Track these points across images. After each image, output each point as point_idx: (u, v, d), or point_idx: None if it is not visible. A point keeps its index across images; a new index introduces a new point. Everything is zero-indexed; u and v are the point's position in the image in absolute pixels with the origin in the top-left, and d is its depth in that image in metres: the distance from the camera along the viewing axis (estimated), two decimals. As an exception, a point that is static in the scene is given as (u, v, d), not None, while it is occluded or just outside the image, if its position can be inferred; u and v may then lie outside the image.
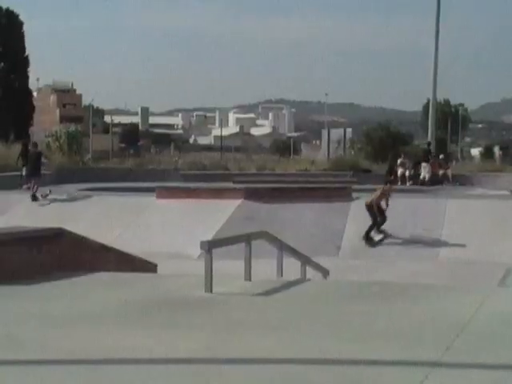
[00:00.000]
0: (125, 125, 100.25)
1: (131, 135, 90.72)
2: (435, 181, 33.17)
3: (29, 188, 23.00)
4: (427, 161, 33.42)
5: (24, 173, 24.05)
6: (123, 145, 76.23)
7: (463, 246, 17.41)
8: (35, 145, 25.49)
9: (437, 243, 17.89)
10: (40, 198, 22.53)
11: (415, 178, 33.80)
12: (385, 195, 18.67)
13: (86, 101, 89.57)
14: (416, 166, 34.94)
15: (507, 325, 6.34)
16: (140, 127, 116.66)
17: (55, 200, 22.45)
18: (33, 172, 23.10)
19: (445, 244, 17.85)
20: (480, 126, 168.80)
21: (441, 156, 36.46)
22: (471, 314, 6.76)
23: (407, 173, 34.20)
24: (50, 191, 23.16)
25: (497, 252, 16.61)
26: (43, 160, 24.89)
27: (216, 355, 5.22)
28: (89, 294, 7.92)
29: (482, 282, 12.72)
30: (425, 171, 33.05)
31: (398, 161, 35.07)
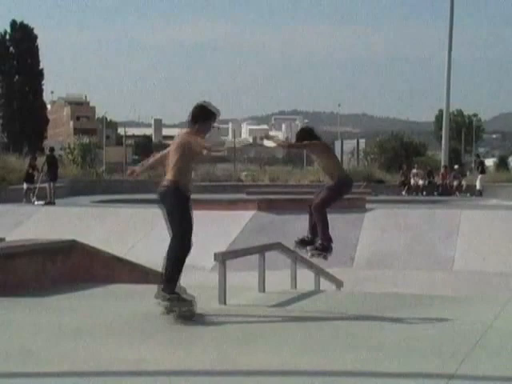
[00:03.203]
0: (138, 137, 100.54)
1: (144, 147, 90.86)
2: (447, 191, 33.13)
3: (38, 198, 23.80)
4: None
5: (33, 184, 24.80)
6: (136, 157, 76.42)
7: (478, 256, 17.27)
8: (52, 149, 26.07)
9: (451, 254, 17.77)
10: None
11: (429, 187, 33.76)
12: None
13: (99, 113, 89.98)
14: (430, 176, 34.91)
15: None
16: (153, 139, 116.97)
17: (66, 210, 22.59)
18: (51, 176, 23.93)
19: (460, 255, 17.72)
20: (494, 136, 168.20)
21: (455, 167, 36.39)
22: (487, 325, 6.69)
23: (421, 183, 34.15)
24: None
25: (511, 263, 16.48)
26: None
27: (230, 367, 5.19)
28: (102, 306, 7.90)
29: (498, 293, 12.60)
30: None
31: (412, 171, 35.04)
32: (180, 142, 7.21)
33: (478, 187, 33.24)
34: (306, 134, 8.84)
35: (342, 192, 9.46)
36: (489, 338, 6.16)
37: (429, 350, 5.71)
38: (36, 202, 24.22)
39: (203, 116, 7.27)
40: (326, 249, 9.20)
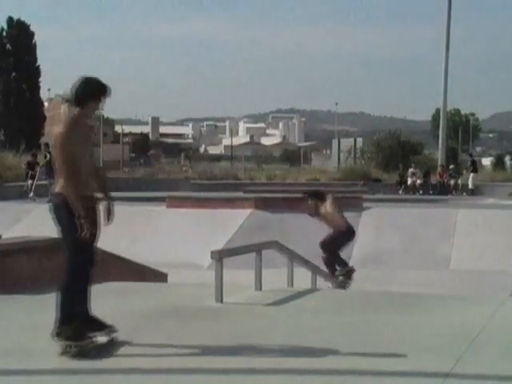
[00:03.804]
0: (135, 134, 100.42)
1: (142, 145, 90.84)
2: (444, 190, 33.20)
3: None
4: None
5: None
6: (134, 154, 76.39)
7: (474, 255, 17.31)
8: (47, 145, 26.27)
9: (448, 253, 17.80)
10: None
11: (426, 186, 33.81)
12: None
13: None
14: (426, 176, 34.96)
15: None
16: (150, 137, 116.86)
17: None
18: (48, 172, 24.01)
19: (456, 254, 17.75)
20: (491, 135, 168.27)
21: (451, 166, 36.46)
22: (483, 324, 6.72)
23: (418, 182, 34.19)
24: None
25: (508, 262, 16.51)
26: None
27: (226, 365, 5.21)
28: (99, 303, 7.90)
29: (494, 293, 12.63)
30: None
31: (409, 170, 35.07)
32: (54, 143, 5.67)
33: (470, 186, 33.40)
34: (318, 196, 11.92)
35: (349, 237, 12.20)
36: (484, 338, 6.19)
37: (425, 349, 5.73)
38: (36, 199, 24.29)
39: (89, 95, 5.69)
40: (347, 274, 11.86)
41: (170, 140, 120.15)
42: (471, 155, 40.08)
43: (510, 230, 18.66)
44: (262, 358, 5.44)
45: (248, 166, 52.30)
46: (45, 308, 7.46)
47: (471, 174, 33.95)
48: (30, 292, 8.06)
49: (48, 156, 24.70)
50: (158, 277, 11.27)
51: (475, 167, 35.02)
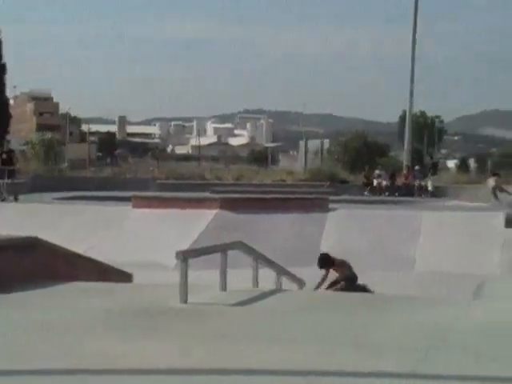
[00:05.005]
0: (102, 133, 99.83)
1: (108, 144, 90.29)
2: (410, 192, 33.53)
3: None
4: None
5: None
6: (100, 154, 75.93)
7: (438, 257, 17.49)
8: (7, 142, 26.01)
9: (413, 254, 17.96)
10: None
11: (391, 188, 34.10)
12: None
13: (63, 109, 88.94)
14: (392, 177, 35.26)
15: (480, 336, 6.36)
16: (117, 136, 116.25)
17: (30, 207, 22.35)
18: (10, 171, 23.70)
19: (421, 255, 17.92)
20: (456, 138, 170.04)
21: (416, 167, 36.82)
22: (446, 326, 6.78)
23: (383, 183, 34.46)
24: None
25: (471, 264, 16.71)
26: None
27: (189, 365, 5.19)
28: (63, 303, 7.85)
29: (457, 295, 12.76)
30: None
31: (375, 172, 35.35)
32: None
33: (429, 188, 33.91)
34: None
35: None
36: (448, 339, 6.25)
37: (388, 349, 5.77)
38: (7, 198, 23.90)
39: None
40: None
41: (138, 139, 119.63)
42: (431, 157, 40.72)
43: (474, 232, 18.90)
44: (227, 358, 5.43)
45: (215, 166, 52.28)
46: (15, 307, 7.40)
47: (431, 177, 34.85)
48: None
49: (4, 155, 24.36)
50: (123, 277, 11.20)
51: (435, 170, 35.82)
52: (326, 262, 12.59)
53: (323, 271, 12.51)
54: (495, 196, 27.44)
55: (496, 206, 25.11)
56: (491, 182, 28.51)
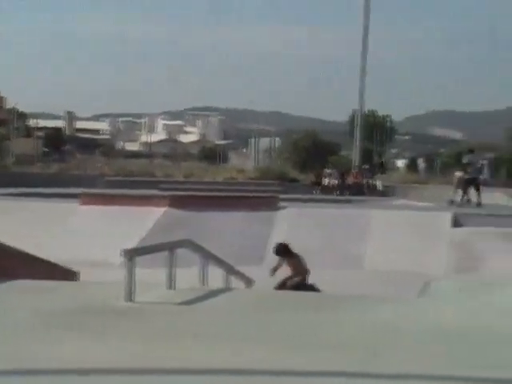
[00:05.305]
0: (49, 129, 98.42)
1: (55, 140, 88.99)
2: (359, 191, 33.85)
3: None
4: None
5: None
6: (47, 149, 74.82)
7: (387, 256, 17.67)
8: None
9: (362, 253, 18.12)
10: None
11: (341, 187, 34.37)
12: None
13: (10, 104, 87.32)
14: (342, 176, 35.54)
15: (426, 335, 6.43)
16: (65, 132, 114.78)
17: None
18: None
19: (370, 254, 18.09)
20: (406, 137, 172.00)
21: (365, 166, 37.19)
22: (396, 325, 6.84)
23: (334, 182, 34.70)
24: None
25: (418, 263, 16.93)
26: None
27: (132, 365, 5.13)
28: (5, 302, 7.70)
29: (404, 293, 12.91)
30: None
31: (325, 171, 35.57)
32: None
33: (379, 187, 34.30)
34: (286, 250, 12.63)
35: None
36: (396, 339, 6.30)
37: (336, 349, 5.79)
38: None
39: None
40: None
41: (86, 135, 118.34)
42: (380, 156, 41.16)
43: (422, 231, 19.16)
44: (173, 358, 5.38)
45: (165, 164, 52.02)
46: None
47: (379, 176, 35.24)
48: None
49: None
50: (69, 275, 11.06)
51: (383, 169, 36.21)
52: (282, 249, 12.84)
53: (279, 258, 12.84)
54: (461, 192, 26.14)
55: (451, 203, 25.19)
56: (458, 174, 26.32)
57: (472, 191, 25.56)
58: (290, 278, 12.57)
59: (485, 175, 27.37)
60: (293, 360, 5.35)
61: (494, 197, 27.91)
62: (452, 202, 25.44)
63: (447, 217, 20.56)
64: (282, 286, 12.33)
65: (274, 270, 12.76)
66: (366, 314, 7.51)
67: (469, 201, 25.54)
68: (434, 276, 15.32)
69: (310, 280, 12.77)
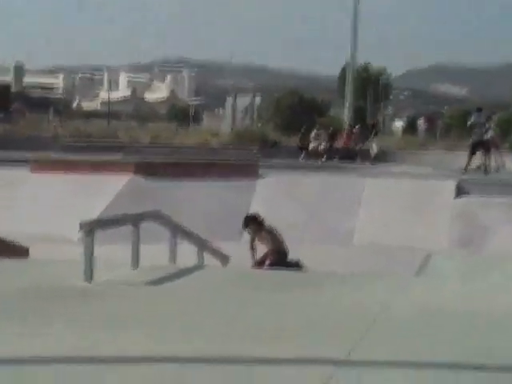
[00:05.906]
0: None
1: (2, 97, 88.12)
2: (351, 155, 33.82)
3: None
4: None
5: None
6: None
7: (380, 229, 17.81)
8: None
9: (351, 226, 18.25)
10: None
11: (330, 152, 34.32)
12: None
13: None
14: (331, 139, 35.44)
15: (421, 317, 6.55)
16: (13, 88, 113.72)
17: None
18: None
19: (360, 227, 18.22)
20: (405, 93, 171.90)
21: (356, 127, 36.96)
22: (385, 306, 6.96)
23: (322, 146, 34.63)
24: None
25: (416, 236, 17.09)
26: None
27: (90, 353, 5.18)
28: None
29: (399, 270, 13.07)
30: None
31: (312, 133, 35.44)
32: None
33: (374, 151, 34.14)
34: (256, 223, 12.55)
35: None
36: (384, 321, 6.41)
37: (320, 333, 5.87)
38: None
39: None
40: None
41: (37, 92, 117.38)
42: (374, 117, 40.95)
43: (419, 201, 19.29)
44: (135, 344, 5.44)
45: (129, 125, 51.78)
46: None
47: (374, 138, 34.87)
48: None
49: None
50: (19, 252, 11.12)
51: (376, 131, 35.90)
52: (249, 222, 12.71)
53: (250, 233, 12.69)
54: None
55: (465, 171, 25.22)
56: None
57: (482, 156, 25.79)
58: (265, 256, 12.56)
59: (493, 138, 27.34)
60: (272, 347, 5.39)
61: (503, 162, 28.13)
62: (466, 171, 25.48)
63: (451, 186, 20.56)
64: (260, 264, 12.38)
65: (252, 247, 12.67)
66: (355, 294, 7.62)
67: (485, 167, 25.81)
68: (435, 251, 15.52)
69: (293, 256, 12.84)
